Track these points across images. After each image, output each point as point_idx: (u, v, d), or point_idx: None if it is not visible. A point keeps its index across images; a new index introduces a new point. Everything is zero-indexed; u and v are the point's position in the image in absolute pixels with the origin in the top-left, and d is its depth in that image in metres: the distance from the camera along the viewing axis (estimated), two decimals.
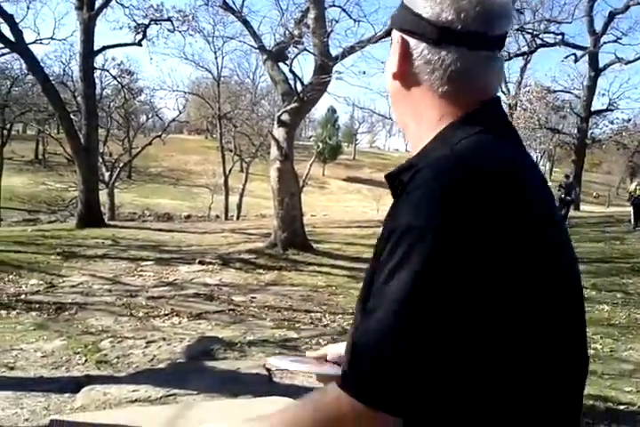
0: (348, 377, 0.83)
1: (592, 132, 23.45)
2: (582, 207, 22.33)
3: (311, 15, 10.81)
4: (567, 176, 17.04)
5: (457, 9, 0.89)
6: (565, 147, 24.91)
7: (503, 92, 33.66)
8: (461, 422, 0.84)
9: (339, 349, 1.18)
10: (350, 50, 11.02)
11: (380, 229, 0.88)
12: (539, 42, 21.73)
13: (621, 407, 3.75)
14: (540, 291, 0.83)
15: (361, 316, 0.85)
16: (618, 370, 4.58)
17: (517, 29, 20.14)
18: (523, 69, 34.04)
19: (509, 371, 0.83)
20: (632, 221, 15.27)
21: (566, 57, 22.97)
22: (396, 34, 0.97)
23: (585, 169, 25.98)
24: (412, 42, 0.93)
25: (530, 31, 20.72)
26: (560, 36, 20.82)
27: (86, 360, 4.52)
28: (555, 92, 24.81)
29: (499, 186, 0.82)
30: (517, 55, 25.26)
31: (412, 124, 0.99)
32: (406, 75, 0.95)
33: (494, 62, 0.93)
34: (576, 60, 22.71)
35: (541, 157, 52.31)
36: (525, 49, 24.62)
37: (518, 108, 27.09)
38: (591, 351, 5.01)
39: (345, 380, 0.83)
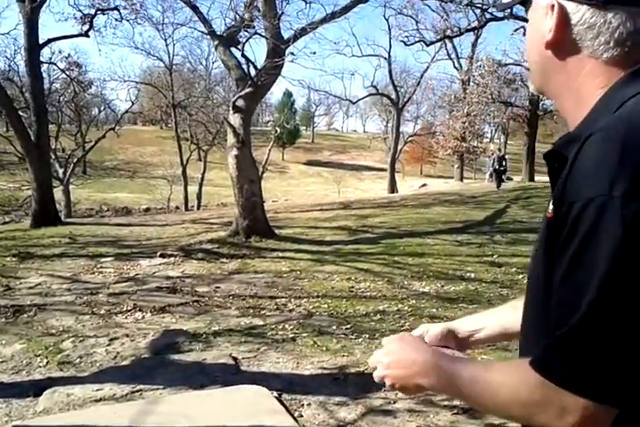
0: (555, 366, 0.77)
1: (543, 104, 23.81)
2: (537, 178, 22.79)
3: None
4: (499, 149, 22.61)
5: None
6: (518, 119, 25.29)
7: (455, 67, 34.02)
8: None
9: (435, 329, 1.18)
10: (302, 32, 10.92)
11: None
12: (488, 16, 21.88)
13: None
14: None
15: (556, 295, 0.79)
16: None
17: (467, 4, 20.27)
18: (474, 44, 34.39)
19: None
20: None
21: (516, 30, 23.21)
22: (544, 0, 0.90)
23: (538, 140, 26.44)
24: (570, 6, 0.87)
25: (479, 6, 20.85)
26: (509, 10, 20.98)
27: (48, 362, 4.43)
28: (506, 65, 25.08)
29: None
30: (468, 30, 25.42)
31: (568, 96, 0.92)
32: (562, 43, 0.89)
33: None
34: (525, 33, 22.96)
35: (495, 130, 53.16)
36: (475, 24, 24.81)
37: (471, 84, 27.36)
38: None
39: (551, 368, 0.77)
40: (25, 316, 5.87)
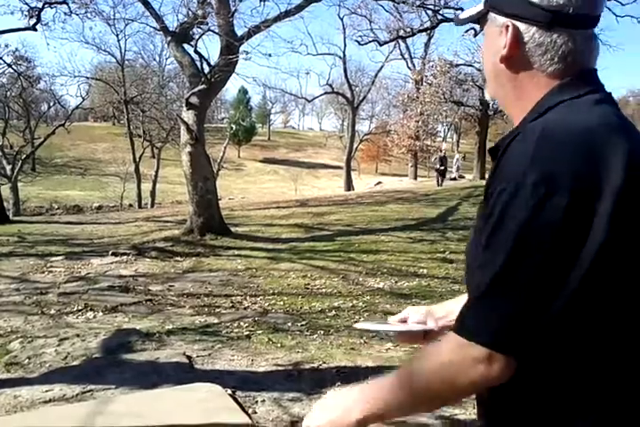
0: (466, 324, 0.90)
1: (494, 104, 24.34)
2: (487, 176, 23.26)
3: None
4: (441, 150, 25.30)
5: None
6: (470, 119, 25.80)
7: (409, 67, 34.42)
8: (574, 368, 0.90)
9: (418, 310, 1.31)
10: (256, 29, 10.87)
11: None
12: (440, 17, 22.21)
13: None
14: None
15: (475, 270, 0.93)
16: None
17: (419, 6, 20.51)
18: (426, 45, 34.85)
19: (613, 318, 0.89)
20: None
21: (466, 31, 23.44)
22: (499, 19, 1.03)
23: (489, 139, 26.95)
24: (522, 26, 1.00)
25: (431, 7, 21.15)
26: (460, 11, 21.33)
27: None
28: (457, 66, 25.53)
29: (585, 141, 0.89)
30: (420, 31, 25.76)
31: (517, 105, 1.05)
32: (515, 58, 1.02)
33: (595, 39, 1.02)
34: (475, 34, 23.14)
35: (448, 129, 54.11)
36: (428, 25, 25.17)
37: (424, 84, 27.75)
38: None
39: (463, 327, 0.91)
40: None
